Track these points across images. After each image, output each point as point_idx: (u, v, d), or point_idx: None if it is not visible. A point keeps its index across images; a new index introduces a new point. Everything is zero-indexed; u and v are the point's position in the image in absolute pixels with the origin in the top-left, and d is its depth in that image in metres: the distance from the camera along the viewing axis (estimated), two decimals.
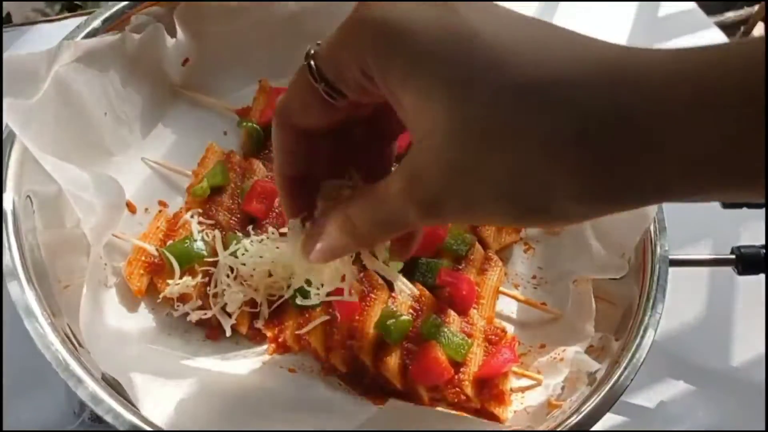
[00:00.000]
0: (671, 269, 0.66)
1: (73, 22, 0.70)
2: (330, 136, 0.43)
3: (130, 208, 0.70)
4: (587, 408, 0.57)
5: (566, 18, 1.02)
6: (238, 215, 0.69)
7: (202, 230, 0.66)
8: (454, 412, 0.62)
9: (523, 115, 0.31)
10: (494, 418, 0.62)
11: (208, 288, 0.64)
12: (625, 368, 0.59)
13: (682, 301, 0.78)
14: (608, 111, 0.30)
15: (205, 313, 0.63)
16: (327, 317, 0.63)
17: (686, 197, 0.31)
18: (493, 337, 0.65)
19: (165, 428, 0.52)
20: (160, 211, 0.70)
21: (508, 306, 0.72)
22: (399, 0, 0.35)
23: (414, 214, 0.36)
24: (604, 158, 0.30)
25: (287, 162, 0.45)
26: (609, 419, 0.59)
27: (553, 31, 0.33)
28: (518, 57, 0.32)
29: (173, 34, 0.74)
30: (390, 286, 0.65)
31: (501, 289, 0.70)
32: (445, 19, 0.33)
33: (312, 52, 0.39)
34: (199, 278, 0.64)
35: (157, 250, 0.65)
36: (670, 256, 0.67)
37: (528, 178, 0.32)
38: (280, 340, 0.64)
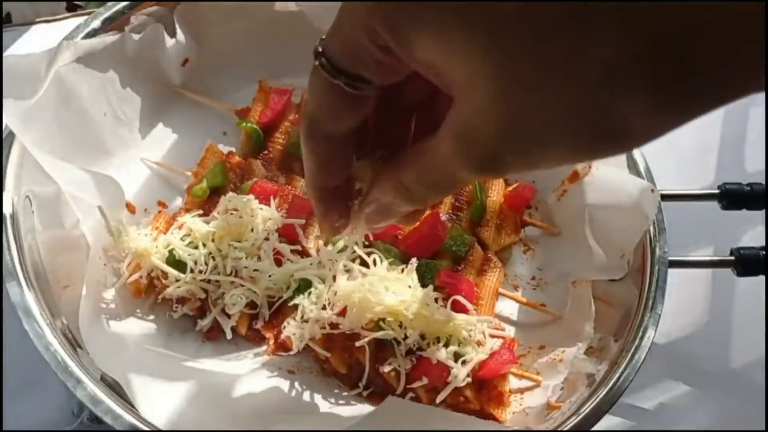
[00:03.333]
0: (671, 271, 0.66)
1: (73, 22, 0.70)
2: (358, 133, 0.41)
3: (130, 208, 0.70)
4: (586, 409, 0.57)
5: None
6: None
7: None
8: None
9: (569, 39, 0.27)
10: (493, 419, 0.62)
11: (208, 290, 0.64)
12: (625, 369, 0.59)
13: (681, 302, 0.78)
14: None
15: (204, 326, 0.64)
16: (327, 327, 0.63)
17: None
18: None
19: (164, 429, 0.52)
20: (159, 212, 0.70)
21: (507, 307, 0.72)
22: None
23: (468, 173, 0.34)
24: (672, 70, 0.27)
25: (325, 174, 0.41)
26: (608, 420, 0.59)
27: None
28: None
29: (173, 35, 0.74)
30: None
31: (500, 290, 0.70)
32: None
33: (320, 49, 0.36)
34: (198, 280, 0.64)
35: (156, 251, 0.65)
36: (670, 258, 0.67)
37: (590, 103, 0.29)
38: (279, 341, 0.64)
